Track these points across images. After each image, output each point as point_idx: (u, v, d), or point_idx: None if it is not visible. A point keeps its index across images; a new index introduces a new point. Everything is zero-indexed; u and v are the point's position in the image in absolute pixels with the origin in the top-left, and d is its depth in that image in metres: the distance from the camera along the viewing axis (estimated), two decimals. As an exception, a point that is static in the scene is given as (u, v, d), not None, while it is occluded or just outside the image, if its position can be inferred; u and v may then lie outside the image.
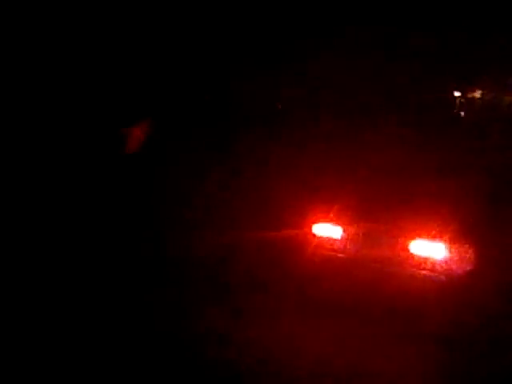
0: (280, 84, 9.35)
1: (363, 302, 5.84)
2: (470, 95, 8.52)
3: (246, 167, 8.12)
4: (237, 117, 9.20)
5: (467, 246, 5.87)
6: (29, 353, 5.05)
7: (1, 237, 6.92)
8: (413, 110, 8.21)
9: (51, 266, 6.59)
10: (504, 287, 5.62)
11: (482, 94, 8.44)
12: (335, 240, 6.46)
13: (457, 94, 8.49)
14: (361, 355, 5.20)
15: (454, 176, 6.45)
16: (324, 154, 7.86)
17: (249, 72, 9.25)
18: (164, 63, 9.35)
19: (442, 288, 5.82)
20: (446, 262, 5.88)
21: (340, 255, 6.41)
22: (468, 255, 5.85)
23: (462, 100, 8.46)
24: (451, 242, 5.89)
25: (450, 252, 5.89)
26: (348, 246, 6.39)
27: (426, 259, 5.93)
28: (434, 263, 5.91)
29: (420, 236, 5.97)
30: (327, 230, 6.53)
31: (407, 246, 6.01)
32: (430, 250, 5.94)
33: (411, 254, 5.99)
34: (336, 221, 6.48)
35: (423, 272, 5.93)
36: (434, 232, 5.92)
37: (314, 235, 6.59)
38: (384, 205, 6.30)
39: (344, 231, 6.44)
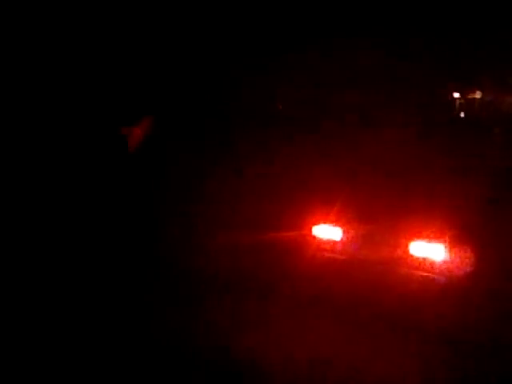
0: (281, 84, 9.35)
1: (363, 303, 5.84)
2: (469, 96, 8.51)
3: (245, 168, 8.12)
4: (237, 117, 9.20)
5: (467, 247, 5.87)
6: (29, 353, 5.07)
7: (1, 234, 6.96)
8: (413, 111, 8.21)
9: (51, 263, 6.62)
10: (504, 289, 5.62)
11: (482, 95, 8.44)
12: (335, 241, 6.48)
13: (456, 95, 8.48)
14: (360, 356, 5.20)
15: (453, 177, 6.45)
16: (324, 155, 7.86)
17: (249, 72, 9.25)
18: (165, 63, 9.36)
19: (441, 289, 5.82)
20: (445, 263, 5.89)
21: (340, 257, 6.42)
22: (468, 256, 5.85)
23: (462, 101, 8.46)
24: (451, 243, 5.89)
25: (450, 253, 5.89)
26: (348, 248, 6.40)
27: (425, 260, 5.94)
28: (433, 264, 5.92)
29: (420, 237, 5.97)
30: (327, 232, 6.54)
31: (407, 247, 6.02)
32: (430, 251, 5.94)
33: (411, 255, 6.00)
34: (336, 222, 6.48)
35: (423, 273, 5.94)
36: (433, 233, 5.92)
37: (314, 237, 6.59)
38: (384, 206, 6.31)
39: (344, 233, 6.45)
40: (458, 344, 5.28)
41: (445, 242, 5.89)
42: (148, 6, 9.27)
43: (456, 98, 8.46)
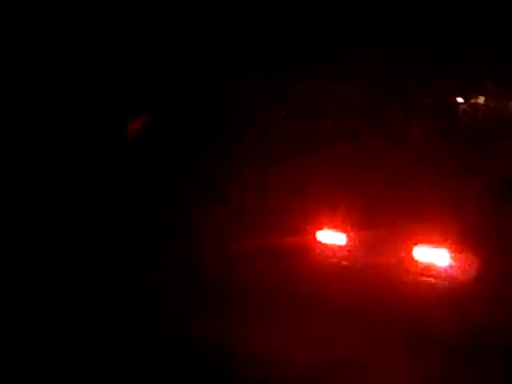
0: (284, 90, 9.35)
1: (366, 308, 5.84)
2: (473, 101, 8.49)
3: (248, 173, 8.12)
4: (238, 121, 9.21)
5: (471, 252, 5.87)
6: (29, 353, 5.09)
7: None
8: (416, 116, 8.20)
9: (51, 261, 6.66)
10: (508, 294, 5.61)
11: (486, 100, 8.42)
12: (339, 246, 6.48)
13: (459, 100, 8.47)
14: (364, 362, 5.21)
15: (457, 182, 6.44)
16: (327, 160, 7.86)
17: (252, 78, 9.26)
18: (166, 65, 9.39)
19: (445, 294, 5.82)
20: (449, 268, 5.88)
21: (344, 262, 6.43)
22: (472, 262, 5.84)
23: (465, 106, 8.44)
24: (455, 248, 5.88)
25: (454, 259, 5.88)
26: (352, 253, 6.41)
27: (429, 266, 5.93)
28: (437, 270, 5.91)
29: (424, 243, 5.97)
30: (331, 237, 6.55)
31: (411, 252, 6.01)
32: (434, 256, 5.94)
33: (415, 260, 5.99)
34: (340, 227, 6.49)
35: (427, 279, 5.93)
36: (437, 239, 5.91)
37: (318, 242, 6.60)
38: (388, 211, 6.30)
39: (348, 238, 6.45)
40: (462, 350, 5.29)
41: (449, 247, 5.88)
42: (148, 7, 9.29)
43: (459, 103, 8.44)
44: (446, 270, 5.88)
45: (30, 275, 6.54)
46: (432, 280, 5.91)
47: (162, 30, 9.18)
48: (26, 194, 7.81)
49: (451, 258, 5.87)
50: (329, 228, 6.55)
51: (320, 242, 6.59)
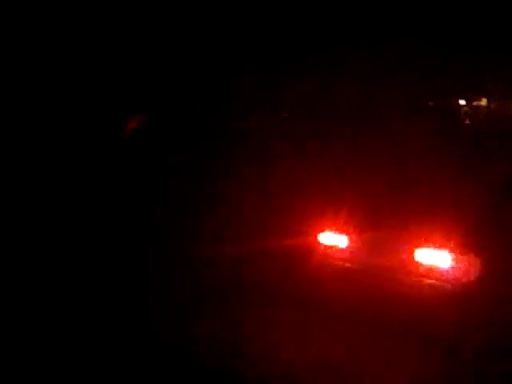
0: (284, 90, 9.36)
1: (369, 311, 5.83)
2: (475, 103, 8.48)
3: (249, 174, 8.13)
4: (240, 123, 9.22)
5: (473, 254, 5.85)
6: (29, 352, 5.09)
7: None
8: (418, 118, 8.19)
9: (51, 259, 6.66)
10: (510, 295, 5.58)
11: (488, 102, 8.41)
12: (341, 249, 6.47)
13: (462, 102, 8.47)
14: (365, 364, 5.20)
15: (459, 184, 6.42)
16: (329, 162, 7.86)
17: (254, 80, 9.27)
18: (169, 67, 9.43)
19: (447, 296, 5.79)
20: (451, 270, 5.86)
21: (346, 264, 6.41)
22: (474, 264, 5.82)
23: (467, 108, 8.44)
24: (457, 250, 5.86)
25: (457, 261, 5.86)
26: (354, 255, 6.39)
27: (431, 268, 5.91)
28: (440, 272, 5.88)
29: (426, 245, 5.95)
30: (333, 239, 6.53)
31: (413, 254, 5.99)
32: (436, 258, 5.91)
33: (417, 262, 5.97)
34: (342, 229, 6.47)
35: (429, 281, 5.91)
36: (440, 240, 5.89)
37: (320, 244, 6.59)
38: (390, 213, 6.29)
39: (350, 240, 6.44)
40: (464, 350, 5.27)
41: (451, 248, 5.86)
42: (154, 13, 9.33)
43: (462, 105, 8.44)
44: (448, 271, 5.85)
45: (29, 275, 6.55)
46: (434, 282, 5.88)
47: (164, 34, 9.22)
48: (26, 194, 7.83)
49: (453, 259, 5.85)
50: (331, 230, 6.54)
51: (322, 244, 6.57)
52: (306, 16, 9.08)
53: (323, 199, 6.81)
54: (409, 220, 6.09)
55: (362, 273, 6.24)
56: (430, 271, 5.91)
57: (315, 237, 6.61)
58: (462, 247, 5.86)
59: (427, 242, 5.94)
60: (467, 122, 8.31)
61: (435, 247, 5.90)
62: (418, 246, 5.97)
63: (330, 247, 6.51)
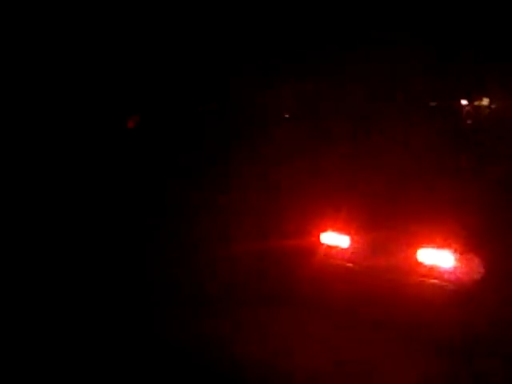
0: (288, 92, 9.37)
1: (371, 311, 5.82)
2: (477, 103, 8.48)
3: (252, 174, 8.13)
4: (244, 124, 9.22)
5: (475, 254, 5.83)
6: (29, 352, 5.09)
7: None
8: (420, 118, 8.19)
9: (51, 258, 6.66)
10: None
11: (490, 102, 8.41)
12: (343, 249, 6.46)
13: (464, 102, 8.46)
14: (367, 363, 5.19)
15: (461, 184, 6.42)
16: (331, 162, 7.86)
17: (257, 81, 9.28)
18: (170, 68, 9.44)
19: (450, 297, 5.78)
20: (454, 270, 5.85)
21: (348, 264, 6.40)
22: (476, 264, 5.81)
23: (469, 108, 8.43)
24: (459, 250, 5.85)
25: (459, 261, 5.85)
26: (356, 255, 6.38)
27: (433, 268, 5.90)
28: (442, 272, 5.87)
29: (428, 245, 5.94)
30: (335, 239, 6.53)
31: (415, 254, 5.98)
32: (438, 258, 5.91)
33: (419, 262, 5.96)
34: (344, 230, 6.47)
35: (431, 281, 5.90)
36: (442, 241, 5.88)
37: (322, 244, 6.58)
38: (392, 213, 6.28)
39: (352, 240, 6.43)
40: (466, 350, 5.26)
41: (453, 249, 5.85)
42: (156, 15, 9.34)
43: (464, 105, 8.44)
44: (450, 271, 5.84)
45: (30, 275, 6.55)
46: (436, 282, 5.87)
47: (165, 34, 9.22)
48: (26, 194, 7.83)
49: (455, 259, 5.84)
50: (333, 230, 6.53)
51: (324, 244, 6.57)
52: (306, 16, 9.08)
53: (325, 199, 6.81)
54: (411, 220, 6.09)
55: (364, 273, 6.23)
56: (432, 271, 5.90)
57: (317, 237, 6.60)
58: (463, 247, 5.85)
59: (429, 242, 5.93)
60: (469, 121, 8.31)
61: (437, 247, 5.90)
62: (420, 247, 5.96)
63: (332, 247, 6.51)
